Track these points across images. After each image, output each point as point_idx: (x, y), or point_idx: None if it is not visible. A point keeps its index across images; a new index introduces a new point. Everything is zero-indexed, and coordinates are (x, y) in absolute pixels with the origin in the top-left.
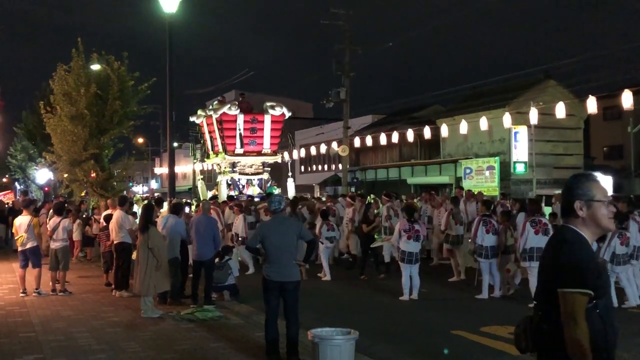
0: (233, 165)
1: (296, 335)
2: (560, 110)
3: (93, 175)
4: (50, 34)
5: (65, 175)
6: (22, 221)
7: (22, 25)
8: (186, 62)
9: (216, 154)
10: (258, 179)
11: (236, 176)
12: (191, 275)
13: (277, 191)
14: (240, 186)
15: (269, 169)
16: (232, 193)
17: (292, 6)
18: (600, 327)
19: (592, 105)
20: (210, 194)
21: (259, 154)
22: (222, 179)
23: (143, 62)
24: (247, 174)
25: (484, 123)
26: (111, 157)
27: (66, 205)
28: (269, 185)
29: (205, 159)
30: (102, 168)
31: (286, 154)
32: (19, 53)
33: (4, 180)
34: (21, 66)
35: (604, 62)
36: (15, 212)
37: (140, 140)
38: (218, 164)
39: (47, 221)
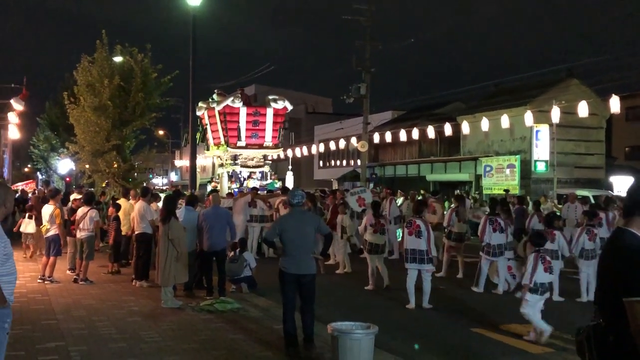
0: (234, 157)
1: (312, 326)
2: (582, 109)
3: (115, 166)
4: (75, 26)
5: (87, 166)
6: (45, 211)
7: (47, 16)
8: (208, 54)
9: (217, 146)
10: (259, 172)
11: (237, 169)
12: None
13: (278, 185)
14: (242, 179)
15: (270, 162)
16: (233, 186)
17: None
18: None
19: (615, 104)
20: (209, 188)
21: (261, 146)
22: (224, 172)
23: (166, 54)
24: (248, 167)
25: (505, 121)
26: (133, 149)
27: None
28: (271, 180)
29: (205, 151)
30: (124, 159)
31: (289, 150)
32: (43, 44)
33: (26, 169)
34: (45, 57)
35: (627, 62)
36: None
37: (161, 132)
38: (219, 156)
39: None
